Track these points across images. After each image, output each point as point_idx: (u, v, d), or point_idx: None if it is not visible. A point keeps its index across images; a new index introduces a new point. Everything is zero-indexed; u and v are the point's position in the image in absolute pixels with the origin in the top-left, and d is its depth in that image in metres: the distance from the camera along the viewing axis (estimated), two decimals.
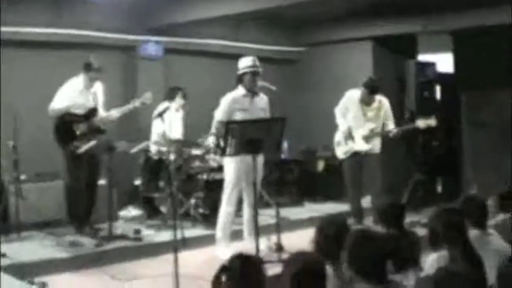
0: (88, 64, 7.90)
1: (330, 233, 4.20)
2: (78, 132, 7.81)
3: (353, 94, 8.49)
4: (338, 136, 8.56)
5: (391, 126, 8.49)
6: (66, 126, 7.83)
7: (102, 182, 8.20)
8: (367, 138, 8.41)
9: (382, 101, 8.47)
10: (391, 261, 3.80)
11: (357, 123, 8.42)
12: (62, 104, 7.80)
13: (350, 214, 8.36)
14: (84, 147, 7.64)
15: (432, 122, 8.26)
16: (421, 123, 8.28)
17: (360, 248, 3.61)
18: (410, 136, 9.81)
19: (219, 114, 7.21)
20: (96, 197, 8.09)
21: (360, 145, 8.43)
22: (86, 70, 7.91)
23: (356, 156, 8.43)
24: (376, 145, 8.50)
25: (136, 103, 8.06)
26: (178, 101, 9.15)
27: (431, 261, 4.22)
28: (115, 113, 8.09)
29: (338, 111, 8.54)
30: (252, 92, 7.21)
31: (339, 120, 8.51)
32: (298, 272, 3.38)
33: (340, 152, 8.55)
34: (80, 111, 7.90)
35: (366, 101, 8.40)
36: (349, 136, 8.42)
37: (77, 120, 7.86)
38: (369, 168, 8.45)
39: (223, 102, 7.22)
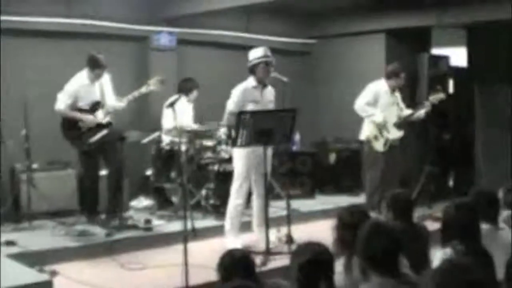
0: (95, 60, 7.74)
1: (349, 222, 4.14)
2: (83, 129, 7.80)
3: (380, 85, 8.53)
4: (372, 130, 8.48)
5: (406, 110, 8.64)
6: (71, 122, 7.81)
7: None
8: (398, 126, 8.48)
9: None
10: (403, 254, 3.74)
11: (388, 112, 8.47)
12: (63, 105, 7.76)
13: (368, 207, 8.27)
14: (94, 138, 7.64)
15: (442, 95, 8.60)
16: (432, 98, 8.55)
17: (374, 238, 3.55)
18: (421, 128, 9.83)
19: (230, 106, 7.15)
20: (120, 184, 8.00)
21: (394, 134, 8.49)
22: (92, 67, 7.77)
23: (393, 147, 8.48)
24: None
25: (142, 89, 7.82)
26: (195, 94, 9.17)
27: (440, 255, 4.19)
28: (121, 103, 7.85)
29: (366, 103, 8.45)
30: (262, 83, 7.18)
31: (370, 111, 8.44)
32: (306, 262, 3.38)
33: (380, 145, 8.48)
34: (85, 105, 7.84)
35: (392, 89, 8.51)
36: (385, 127, 8.41)
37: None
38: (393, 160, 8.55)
39: (234, 93, 7.17)
